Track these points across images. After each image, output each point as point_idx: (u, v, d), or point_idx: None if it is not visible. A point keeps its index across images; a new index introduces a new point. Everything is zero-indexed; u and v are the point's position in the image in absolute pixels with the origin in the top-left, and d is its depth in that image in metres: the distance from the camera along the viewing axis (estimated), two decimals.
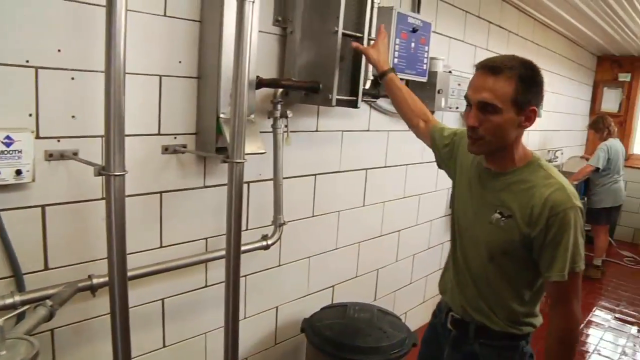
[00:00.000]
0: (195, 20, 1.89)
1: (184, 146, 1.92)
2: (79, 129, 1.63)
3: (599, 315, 4.77)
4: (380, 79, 2.13)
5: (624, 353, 4.07)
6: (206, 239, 2.10)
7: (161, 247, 1.94)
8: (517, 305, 1.66)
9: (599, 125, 5.71)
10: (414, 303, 3.76)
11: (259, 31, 2.02)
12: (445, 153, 1.94)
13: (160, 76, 1.83)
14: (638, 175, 7.05)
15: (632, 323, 4.64)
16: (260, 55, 2.06)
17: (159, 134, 1.86)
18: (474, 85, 1.54)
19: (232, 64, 1.65)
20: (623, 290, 5.42)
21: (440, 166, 2.03)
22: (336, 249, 2.86)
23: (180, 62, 1.88)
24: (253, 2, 1.58)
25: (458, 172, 1.86)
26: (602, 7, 4.25)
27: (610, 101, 7.28)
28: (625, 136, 7.07)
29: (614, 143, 5.57)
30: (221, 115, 1.84)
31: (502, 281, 1.66)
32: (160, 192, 1.90)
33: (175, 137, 1.90)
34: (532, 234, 1.53)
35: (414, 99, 2.11)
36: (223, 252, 1.99)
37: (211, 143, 1.90)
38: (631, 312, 4.89)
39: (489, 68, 1.50)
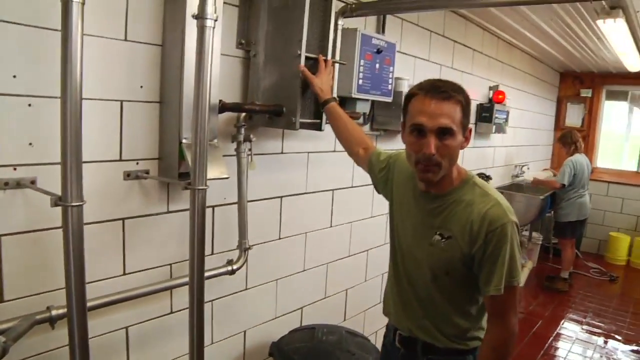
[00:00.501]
0: (157, 45, 1.88)
1: (147, 172, 1.90)
2: (37, 156, 1.60)
3: (567, 327, 4.86)
4: (322, 107, 2.15)
5: None
6: (171, 264, 2.06)
7: (124, 274, 1.90)
8: (464, 321, 1.71)
9: (567, 140, 5.81)
10: (384, 322, 3.72)
11: (222, 54, 2.03)
12: (382, 177, 1.95)
13: (122, 101, 1.81)
14: (601, 188, 7.23)
15: (598, 334, 4.74)
16: (224, 78, 2.06)
17: (120, 160, 1.83)
18: (429, 111, 1.52)
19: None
20: (590, 302, 5.53)
21: (377, 190, 2.04)
22: (304, 270, 2.84)
23: (141, 86, 1.86)
24: (213, 27, 1.57)
25: (395, 195, 1.87)
26: (562, 27, 4.37)
27: (574, 116, 7.48)
28: (588, 150, 7.25)
29: (580, 158, 5.68)
30: (183, 141, 1.83)
31: (447, 299, 1.70)
32: (123, 219, 1.87)
33: (137, 163, 1.88)
34: (472, 251, 1.57)
35: (354, 127, 2.15)
36: (185, 279, 1.97)
37: (174, 168, 1.88)
38: (598, 323, 5.00)
39: (439, 93, 1.52)
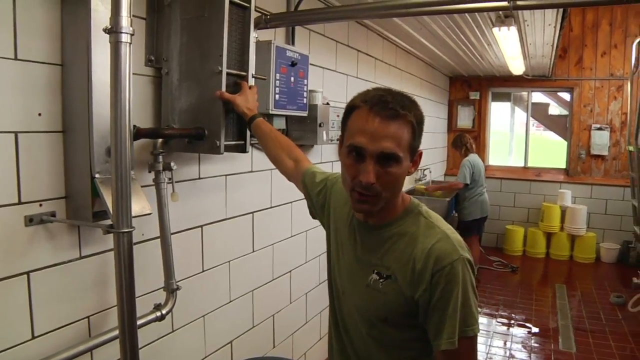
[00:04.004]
0: (56, 64, 1.62)
1: (53, 214, 1.62)
2: None
3: (484, 322, 5.02)
4: (248, 125, 1.94)
5: (512, 357, 4.30)
6: (88, 317, 1.78)
7: (33, 338, 1.60)
8: None
9: (458, 143, 6.09)
10: (312, 342, 3.61)
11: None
12: (319, 201, 1.68)
13: (16, 133, 1.53)
14: (495, 184, 7.59)
15: (511, 325, 4.95)
16: (133, 100, 1.81)
17: (19, 203, 1.54)
18: (371, 131, 1.24)
19: (105, 114, 1.44)
20: (498, 295, 5.76)
21: (313, 216, 1.77)
22: (230, 302, 2.63)
23: (40, 114, 1.58)
24: (130, 42, 1.36)
25: (332, 224, 1.59)
26: (457, 35, 4.51)
27: (465, 118, 7.82)
28: (480, 149, 7.60)
29: (475, 158, 5.92)
30: (96, 176, 1.58)
31: (387, 356, 1.42)
32: (27, 272, 1.57)
33: (40, 205, 1.59)
34: (415, 296, 1.29)
35: (284, 141, 1.91)
36: (109, 335, 1.74)
37: (86, 208, 1.61)
38: (509, 314, 5.22)
39: (386, 109, 1.25)
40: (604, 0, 2.02)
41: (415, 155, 1.34)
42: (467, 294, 1.25)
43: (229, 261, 2.60)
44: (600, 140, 7.17)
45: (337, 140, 1.46)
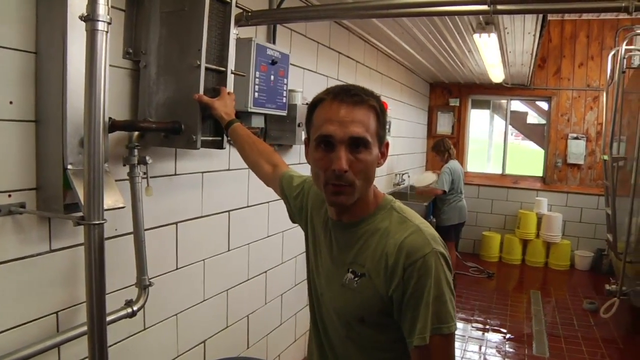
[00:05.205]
0: (30, 52, 1.58)
1: (22, 205, 1.57)
2: None
3: (459, 327, 5.03)
4: (226, 130, 1.93)
5: None
6: (57, 312, 1.74)
7: None
8: None
9: (440, 148, 6.06)
10: (286, 343, 3.59)
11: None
12: (297, 204, 1.66)
13: None
14: (473, 191, 7.65)
15: (486, 330, 4.99)
16: (110, 92, 1.79)
17: None
18: (338, 119, 1.23)
19: (80, 105, 1.41)
20: (474, 300, 5.80)
21: (293, 220, 1.74)
22: (204, 300, 2.60)
23: (11, 102, 1.55)
24: (106, 31, 1.33)
25: (310, 227, 1.57)
26: (439, 40, 4.54)
27: (445, 124, 7.89)
28: (459, 156, 7.65)
29: (455, 164, 5.94)
30: (69, 167, 1.54)
31: (367, 358, 1.39)
32: None
33: (9, 195, 1.55)
34: (389, 292, 1.25)
35: (262, 146, 1.91)
36: (78, 331, 1.71)
37: (57, 199, 1.58)
38: (484, 319, 5.25)
39: (350, 97, 1.25)
40: (580, 8, 2.04)
41: (382, 145, 1.34)
42: (441, 288, 1.21)
43: (203, 259, 2.57)
44: (577, 150, 7.28)
45: (304, 142, 1.43)
